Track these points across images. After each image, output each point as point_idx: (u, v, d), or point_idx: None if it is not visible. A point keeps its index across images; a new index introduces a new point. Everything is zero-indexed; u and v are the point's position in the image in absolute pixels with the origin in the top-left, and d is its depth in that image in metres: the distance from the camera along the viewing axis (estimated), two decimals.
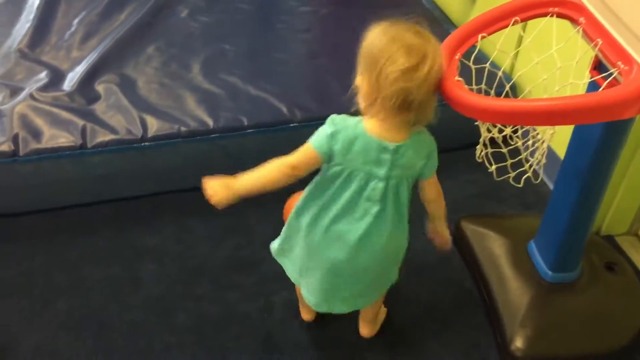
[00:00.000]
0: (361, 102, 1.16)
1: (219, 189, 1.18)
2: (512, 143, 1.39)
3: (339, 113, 1.86)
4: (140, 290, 1.59)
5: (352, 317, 1.53)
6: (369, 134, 1.15)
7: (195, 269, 1.65)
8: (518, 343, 1.41)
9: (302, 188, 1.28)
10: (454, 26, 2.43)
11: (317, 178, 1.24)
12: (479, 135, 1.40)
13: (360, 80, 1.14)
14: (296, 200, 1.29)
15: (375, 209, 1.20)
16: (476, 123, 1.32)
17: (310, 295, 1.33)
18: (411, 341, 1.50)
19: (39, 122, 1.75)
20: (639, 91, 0.99)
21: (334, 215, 1.21)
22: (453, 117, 1.83)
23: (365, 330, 1.49)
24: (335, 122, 1.17)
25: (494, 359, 1.47)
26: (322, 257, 1.26)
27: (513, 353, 1.41)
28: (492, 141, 1.40)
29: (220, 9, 2.42)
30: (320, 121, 1.76)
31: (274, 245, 1.39)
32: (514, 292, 1.51)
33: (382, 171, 1.17)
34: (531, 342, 1.42)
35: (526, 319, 1.45)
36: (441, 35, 2.30)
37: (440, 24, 2.42)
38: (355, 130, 1.16)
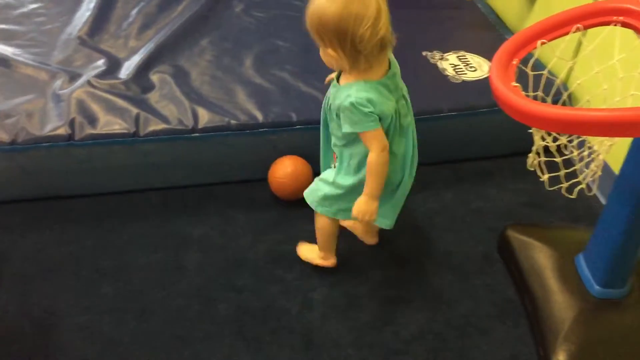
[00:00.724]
0: (344, 65, 1.24)
1: (365, 207, 1.35)
2: (567, 153, 1.36)
3: None
4: (184, 278, 1.62)
5: (391, 321, 1.53)
6: (374, 83, 1.26)
7: (238, 261, 1.67)
8: (561, 357, 1.38)
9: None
10: (509, 31, 2.39)
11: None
12: (527, 143, 1.37)
13: (333, 51, 1.21)
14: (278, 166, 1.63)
15: (411, 127, 1.39)
16: (530, 130, 1.30)
17: (386, 218, 1.47)
18: (451, 347, 1.48)
19: (95, 108, 1.80)
20: None
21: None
22: (500, 124, 1.81)
23: (375, 238, 1.72)
24: (363, 103, 1.24)
25: None
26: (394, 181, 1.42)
27: None
28: (545, 150, 1.37)
29: (274, 5, 2.44)
30: None
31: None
32: (559, 305, 1.48)
33: (395, 99, 1.32)
34: (574, 357, 1.38)
35: (570, 334, 1.41)
36: (495, 39, 2.32)
37: (495, 28, 2.38)
38: (370, 92, 1.25)
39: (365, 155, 1.31)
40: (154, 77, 1.96)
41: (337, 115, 1.31)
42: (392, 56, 1.33)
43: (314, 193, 1.47)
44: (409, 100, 1.38)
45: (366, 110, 1.24)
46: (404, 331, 1.51)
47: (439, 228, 1.81)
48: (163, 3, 2.36)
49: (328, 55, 1.24)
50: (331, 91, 1.34)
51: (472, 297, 1.61)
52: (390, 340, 1.49)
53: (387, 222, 1.48)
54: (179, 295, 1.57)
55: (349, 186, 1.39)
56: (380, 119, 1.26)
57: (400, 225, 1.78)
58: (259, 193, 1.87)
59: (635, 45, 1.18)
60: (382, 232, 1.75)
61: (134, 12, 2.30)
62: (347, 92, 1.26)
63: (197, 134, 1.77)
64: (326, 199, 1.44)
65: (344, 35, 1.17)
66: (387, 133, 1.30)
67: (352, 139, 1.33)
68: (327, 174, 1.45)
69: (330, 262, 1.62)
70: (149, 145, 1.76)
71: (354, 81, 1.26)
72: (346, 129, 1.28)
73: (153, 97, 1.88)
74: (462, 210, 1.88)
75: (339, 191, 1.41)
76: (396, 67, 1.33)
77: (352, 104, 1.23)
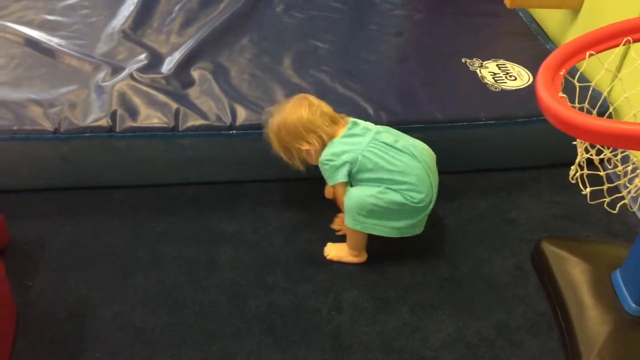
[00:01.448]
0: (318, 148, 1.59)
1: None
2: (610, 167, 1.33)
3: (424, 118, 1.87)
4: (215, 273, 1.63)
5: (420, 327, 1.52)
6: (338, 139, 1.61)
7: (269, 259, 1.68)
8: None
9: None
10: (550, 41, 2.36)
11: None
12: (564, 155, 1.36)
13: (308, 145, 1.58)
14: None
15: (413, 148, 1.64)
16: (574, 142, 1.28)
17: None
18: (481, 357, 1.47)
19: (136, 101, 1.83)
20: None
21: None
22: (538, 134, 1.78)
23: None
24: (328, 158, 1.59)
25: None
26: None
27: None
28: (588, 163, 1.35)
29: (315, 6, 2.45)
30: (405, 125, 1.76)
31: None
32: (593, 321, 1.45)
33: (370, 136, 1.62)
34: None
35: (604, 351, 1.39)
36: (536, 48, 2.30)
37: (536, 38, 2.36)
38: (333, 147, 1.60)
39: None
40: (194, 73, 1.98)
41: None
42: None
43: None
44: (393, 130, 1.66)
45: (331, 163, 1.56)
46: (433, 338, 1.50)
47: (472, 237, 1.79)
48: (205, 0, 2.39)
49: (305, 152, 1.59)
50: None
51: (504, 308, 1.59)
52: (419, 347, 1.48)
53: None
54: (210, 290, 1.59)
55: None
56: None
57: (433, 231, 1.78)
58: (292, 192, 1.88)
59: None
60: (411, 238, 1.75)
61: (177, 8, 2.33)
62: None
63: (235, 131, 1.79)
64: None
65: (307, 130, 1.57)
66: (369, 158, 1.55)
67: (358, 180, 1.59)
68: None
69: (363, 258, 1.67)
70: (187, 140, 1.78)
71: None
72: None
73: (193, 92, 1.90)
74: (497, 220, 1.86)
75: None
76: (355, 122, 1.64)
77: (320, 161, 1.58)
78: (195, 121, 1.78)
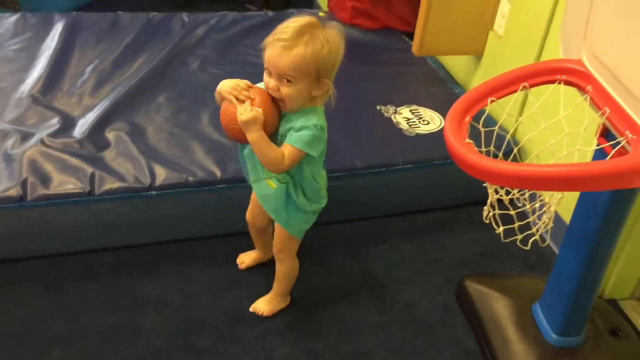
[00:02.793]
0: (316, 94, 1.38)
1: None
2: (520, 205, 1.40)
3: (345, 166, 1.90)
4: (140, 341, 1.56)
5: None
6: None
7: (196, 321, 1.63)
8: None
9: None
10: (458, 85, 2.48)
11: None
12: (481, 194, 1.42)
13: (309, 84, 1.34)
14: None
15: None
16: (484, 184, 1.33)
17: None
18: None
19: (49, 167, 1.76)
20: None
21: None
22: (454, 175, 1.85)
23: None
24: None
25: None
26: None
27: None
28: (499, 203, 1.41)
29: (231, 61, 2.48)
30: (330, 174, 1.78)
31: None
32: (517, 356, 1.50)
33: None
34: None
35: None
36: (445, 92, 2.40)
37: (445, 83, 2.47)
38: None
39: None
40: (110, 135, 1.94)
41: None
42: None
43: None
44: None
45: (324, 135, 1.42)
46: None
47: (399, 280, 1.82)
48: (118, 60, 2.37)
49: (302, 89, 1.34)
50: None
51: (434, 349, 1.61)
52: None
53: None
54: (134, 359, 1.52)
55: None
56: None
57: (361, 278, 1.80)
58: (217, 250, 1.85)
59: (579, 102, 1.24)
60: (342, 286, 1.76)
61: (89, 69, 2.29)
62: (309, 117, 1.38)
63: (154, 192, 1.75)
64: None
65: (332, 66, 1.37)
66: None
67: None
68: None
69: (288, 300, 1.69)
70: (104, 204, 1.72)
71: (312, 107, 1.40)
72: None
73: (108, 155, 1.85)
74: (421, 261, 1.90)
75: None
76: None
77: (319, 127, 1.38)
78: (112, 184, 1.74)
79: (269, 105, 1.35)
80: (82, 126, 1.97)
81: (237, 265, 1.80)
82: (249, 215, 1.67)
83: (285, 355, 1.56)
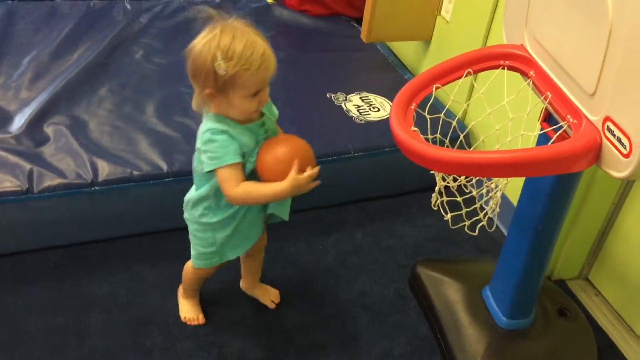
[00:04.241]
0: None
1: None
2: (467, 191, 1.40)
3: None
4: (87, 343, 1.51)
5: None
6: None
7: (146, 319, 1.59)
8: None
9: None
10: (408, 71, 2.48)
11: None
12: (432, 180, 1.42)
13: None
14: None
15: None
16: (432, 172, 1.33)
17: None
18: None
19: None
20: (587, 146, 1.02)
21: None
22: (404, 161, 1.84)
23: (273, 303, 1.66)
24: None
25: None
26: None
27: None
28: (448, 189, 1.42)
29: (176, 49, 2.39)
30: None
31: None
32: (469, 339, 1.51)
33: None
34: None
35: None
36: (395, 79, 2.39)
37: (395, 69, 2.47)
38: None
39: None
40: (49, 130, 1.86)
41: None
42: None
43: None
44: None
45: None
46: None
47: (352, 269, 1.81)
48: (57, 51, 2.27)
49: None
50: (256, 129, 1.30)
51: (388, 336, 1.61)
52: None
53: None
54: None
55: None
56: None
57: (314, 268, 1.78)
58: (166, 245, 1.80)
59: (522, 87, 1.25)
60: (296, 277, 1.74)
61: (26, 61, 2.19)
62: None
63: (97, 187, 1.69)
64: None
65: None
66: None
67: None
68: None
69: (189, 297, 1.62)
70: (44, 202, 1.65)
71: None
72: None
73: (48, 150, 1.78)
74: (374, 249, 1.90)
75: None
76: None
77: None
78: (52, 181, 1.67)
79: None
80: (19, 121, 1.88)
81: (185, 259, 1.74)
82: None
83: (238, 350, 1.53)
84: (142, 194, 1.74)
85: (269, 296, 1.66)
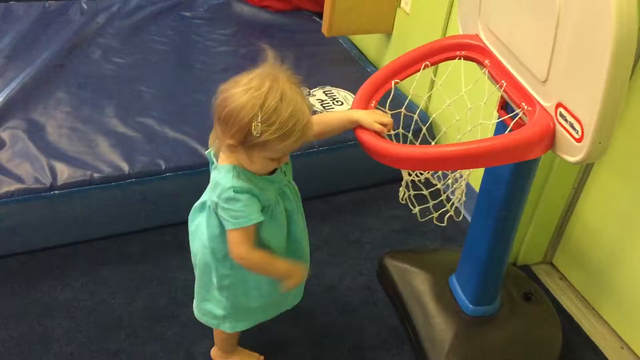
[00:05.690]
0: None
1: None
2: (434, 183, 1.41)
3: None
4: (51, 351, 1.48)
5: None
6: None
7: (111, 323, 1.56)
8: None
9: None
10: (371, 64, 2.48)
11: None
12: (398, 172, 1.42)
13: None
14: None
15: None
16: None
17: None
18: None
19: None
20: (541, 132, 1.03)
21: None
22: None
23: None
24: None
25: None
26: None
27: None
28: (414, 182, 1.42)
29: (135, 50, 2.37)
30: None
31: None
32: (437, 328, 1.52)
33: None
34: None
35: (450, 355, 1.45)
36: (358, 72, 2.40)
37: (357, 62, 2.47)
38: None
39: None
40: (5, 134, 1.82)
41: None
42: None
43: None
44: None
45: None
46: None
47: (320, 264, 1.81)
48: (12, 53, 2.22)
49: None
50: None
51: (357, 330, 1.62)
52: None
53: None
54: None
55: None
56: None
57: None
58: (128, 247, 1.78)
59: (479, 77, 1.26)
60: None
61: None
62: None
63: (57, 192, 1.66)
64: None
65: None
66: None
67: None
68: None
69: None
70: (2, 208, 1.62)
71: None
72: None
73: (4, 155, 1.73)
74: (342, 243, 1.90)
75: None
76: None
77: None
78: (9, 187, 1.63)
79: None
80: None
81: (148, 261, 1.73)
82: None
83: (207, 348, 1.52)
84: (103, 196, 1.72)
85: None
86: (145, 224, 1.79)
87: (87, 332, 1.54)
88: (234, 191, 1.11)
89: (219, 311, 1.30)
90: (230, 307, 1.29)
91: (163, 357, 1.49)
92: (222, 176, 1.13)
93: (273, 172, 1.18)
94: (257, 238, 1.18)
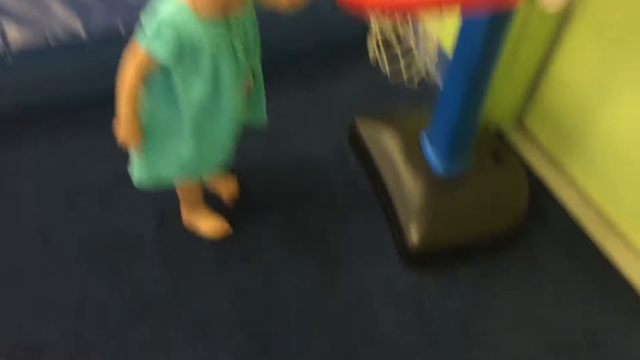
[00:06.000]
0: None
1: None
2: (405, 44, 1.35)
3: None
4: (17, 214, 1.47)
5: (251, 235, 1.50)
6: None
7: (77, 184, 1.55)
8: (414, 238, 1.44)
9: None
10: None
11: None
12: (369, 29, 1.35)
13: None
14: None
15: None
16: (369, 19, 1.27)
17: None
18: (311, 240, 1.50)
19: None
20: None
21: None
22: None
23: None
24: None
25: (393, 255, 1.50)
26: None
27: (410, 248, 1.44)
28: (385, 45, 1.35)
29: None
30: None
31: None
32: (408, 188, 1.52)
33: None
34: (426, 236, 1.44)
35: (421, 215, 1.46)
36: None
37: None
38: None
39: None
40: None
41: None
42: None
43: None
44: None
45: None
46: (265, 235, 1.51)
47: (291, 129, 1.77)
48: None
49: None
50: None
51: (327, 191, 1.62)
52: (247, 245, 1.48)
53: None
54: (15, 233, 1.44)
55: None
56: None
57: (252, 137, 1.73)
58: (92, 112, 1.71)
59: None
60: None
61: None
62: None
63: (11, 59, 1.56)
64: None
65: None
66: None
67: None
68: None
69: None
70: None
71: None
72: None
73: None
74: (314, 109, 1.85)
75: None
76: None
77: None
78: None
79: None
80: None
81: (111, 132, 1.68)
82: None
83: (178, 211, 1.51)
84: (60, 61, 1.62)
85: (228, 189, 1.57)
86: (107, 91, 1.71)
87: (53, 193, 1.53)
88: (158, 24, 1.04)
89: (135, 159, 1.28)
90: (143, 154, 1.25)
91: (133, 218, 1.50)
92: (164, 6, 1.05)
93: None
94: (167, 83, 1.12)
